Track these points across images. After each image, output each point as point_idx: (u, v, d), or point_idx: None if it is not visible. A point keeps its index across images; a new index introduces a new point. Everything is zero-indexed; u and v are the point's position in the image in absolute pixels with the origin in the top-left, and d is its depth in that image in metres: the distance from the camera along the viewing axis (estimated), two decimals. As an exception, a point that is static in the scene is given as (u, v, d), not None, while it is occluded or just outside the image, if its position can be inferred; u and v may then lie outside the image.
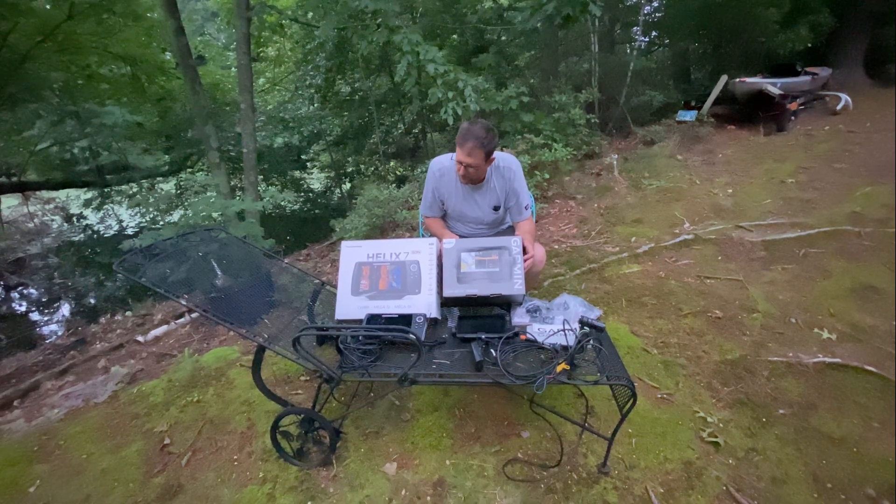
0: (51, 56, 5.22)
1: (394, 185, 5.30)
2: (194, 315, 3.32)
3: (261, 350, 1.72)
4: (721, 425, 1.87)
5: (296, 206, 9.80)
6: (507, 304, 1.98)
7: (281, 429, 1.79)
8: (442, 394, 2.11)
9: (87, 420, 2.25)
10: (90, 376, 2.73)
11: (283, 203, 9.27)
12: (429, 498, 1.67)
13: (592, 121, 5.96)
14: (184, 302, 1.65)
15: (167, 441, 2.06)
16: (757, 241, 3.23)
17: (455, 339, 1.78)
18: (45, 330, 5.50)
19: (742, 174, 4.76)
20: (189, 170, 8.68)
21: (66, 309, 6.27)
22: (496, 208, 2.19)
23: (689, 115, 6.27)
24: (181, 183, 8.29)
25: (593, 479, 1.68)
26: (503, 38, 7.09)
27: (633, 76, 6.59)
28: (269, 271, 2.87)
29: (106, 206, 8.66)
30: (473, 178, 2.06)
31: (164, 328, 3.30)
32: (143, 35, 5.97)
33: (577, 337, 1.57)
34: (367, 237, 4.13)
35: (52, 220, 9.38)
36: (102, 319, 3.98)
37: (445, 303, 1.95)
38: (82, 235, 8.90)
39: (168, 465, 1.94)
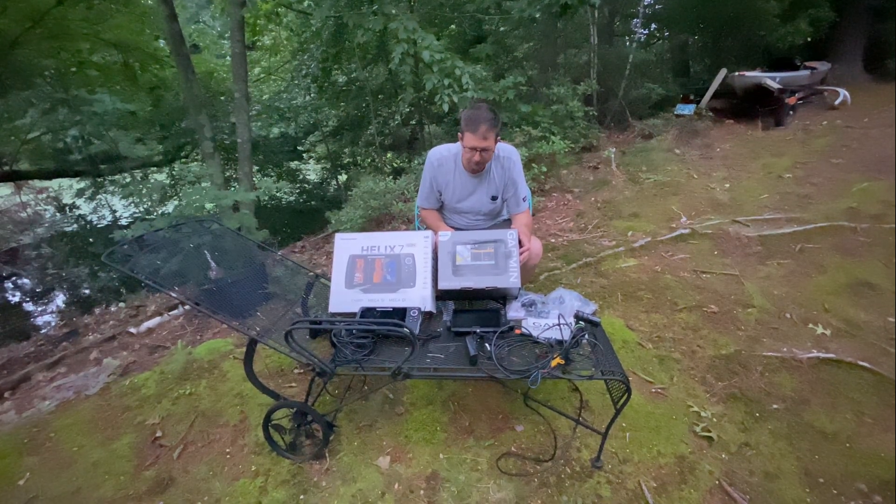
0: (41, 42, 5.13)
1: (390, 177, 5.25)
2: (188, 307, 3.29)
3: (253, 343, 1.70)
4: (714, 420, 1.87)
5: (291, 198, 9.74)
6: (502, 297, 1.97)
7: (273, 422, 1.78)
8: (436, 387, 2.11)
9: (79, 412, 2.23)
10: (82, 368, 2.71)
11: (278, 194, 9.21)
12: (422, 492, 1.67)
13: (590, 113, 5.92)
14: (174, 294, 1.63)
15: (159, 434, 2.04)
16: (753, 236, 3.22)
17: (450, 332, 1.77)
18: (38, 321, 5.46)
19: (739, 169, 4.75)
20: (183, 160, 8.61)
21: (59, 300, 6.22)
22: (494, 198, 2.16)
23: (687, 109, 6.24)
24: (175, 173, 8.22)
25: (587, 473, 1.68)
26: (502, 28, 7.01)
27: (631, 69, 6.55)
28: (263, 263, 2.84)
29: (99, 197, 8.57)
30: (486, 162, 2.02)
31: (157, 320, 3.27)
32: (136, 21, 5.88)
33: (572, 331, 1.56)
34: (362, 229, 4.10)
35: (45, 210, 9.25)
36: (96, 310, 3.95)
37: (440, 296, 1.93)
38: (75, 226, 8.80)
39: (160, 458, 1.93)
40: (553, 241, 3.65)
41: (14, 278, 6.84)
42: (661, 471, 1.68)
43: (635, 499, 1.59)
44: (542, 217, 4.21)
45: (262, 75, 9.39)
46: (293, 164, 9.67)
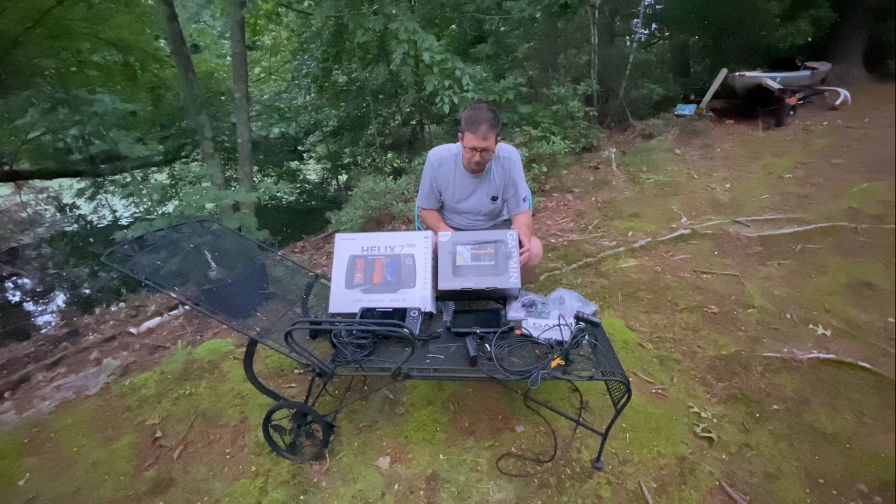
0: (41, 42, 5.13)
1: (390, 177, 5.26)
2: (188, 307, 3.29)
3: (253, 343, 1.70)
4: (715, 420, 1.87)
5: (291, 198, 9.75)
6: (502, 298, 1.97)
7: (274, 422, 1.77)
8: (436, 388, 2.10)
9: (79, 412, 2.23)
10: (82, 368, 2.71)
11: (278, 194, 9.21)
12: (422, 492, 1.67)
13: (591, 114, 5.91)
14: (174, 294, 1.63)
15: (159, 434, 2.04)
16: (753, 237, 3.22)
17: (450, 333, 1.77)
18: (38, 321, 5.47)
19: (740, 169, 4.74)
20: (183, 160, 8.61)
21: (59, 300, 6.23)
22: (494, 198, 2.16)
23: (687, 109, 6.24)
24: (175, 173, 8.22)
25: (587, 474, 1.68)
26: (502, 28, 7.01)
27: (632, 69, 6.55)
28: (263, 263, 2.84)
29: (99, 196, 8.58)
30: (486, 162, 2.02)
31: (157, 320, 3.27)
32: (136, 21, 5.88)
33: (572, 332, 1.56)
34: (362, 229, 4.10)
35: (46, 210, 9.28)
36: (96, 310, 3.95)
37: (440, 296, 1.93)
38: (76, 225, 8.82)
39: (159, 459, 1.92)
40: (553, 241, 3.64)
41: (14, 278, 6.85)
42: (662, 471, 1.68)
43: (635, 499, 1.59)
44: (542, 217, 4.21)
45: (263, 75, 9.40)
46: (293, 165, 9.67)
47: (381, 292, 1.86)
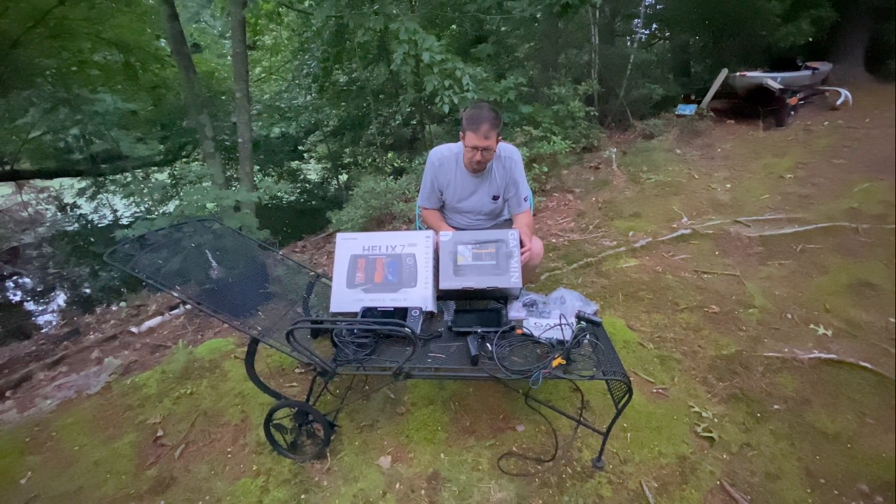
0: (42, 42, 5.13)
1: (391, 176, 5.26)
2: (189, 306, 3.29)
3: (254, 342, 1.70)
4: (716, 420, 1.87)
5: (292, 198, 9.76)
6: (503, 297, 1.97)
7: (275, 421, 1.78)
8: (437, 387, 2.11)
9: (80, 411, 2.23)
10: (83, 367, 2.71)
11: (279, 194, 9.21)
12: (423, 491, 1.67)
13: (591, 113, 5.91)
14: (175, 293, 1.63)
15: (160, 433, 2.04)
16: (754, 237, 3.22)
17: (451, 332, 1.77)
18: (39, 320, 5.47)
19: (741, 169, 4.74)
20: (184, 159, 8.62)
21: (60, 299, 6.24)
22: (495, 198, 2.16)
23: (688, 109, 6.22)
24: (176, 173, 8.24)
25: (588, 474, 1.68)
26: (503, 28, 7.01)
27: (632, 69, 6.54)
28: (265, 263, 2.85)
29: (100, 196, 8.59)
30: (487, 162, 2.03)
31: (158, 319, 3.28)
32: (137, 21, 5.88)
33: (573, 331, 1.56)
34: (363, 229, 4.10)
35: (46, 210, 9.30)
36: (97, 310, 3.95)
37: (442, 296, 1.93)
38: (76, 225, 8.83)
39: (161, 458, 1.93)
40: (554, 241, 3.64)
41: (15, 277, 6.86)
42: (663, 471, 1.68)
43: (636, 499, 1.59)
44: (542, 217, 4.21)
45: (263, 75, 9.40)
46: (294, 164, 9.69)
47: (383, 292, 1.86)
